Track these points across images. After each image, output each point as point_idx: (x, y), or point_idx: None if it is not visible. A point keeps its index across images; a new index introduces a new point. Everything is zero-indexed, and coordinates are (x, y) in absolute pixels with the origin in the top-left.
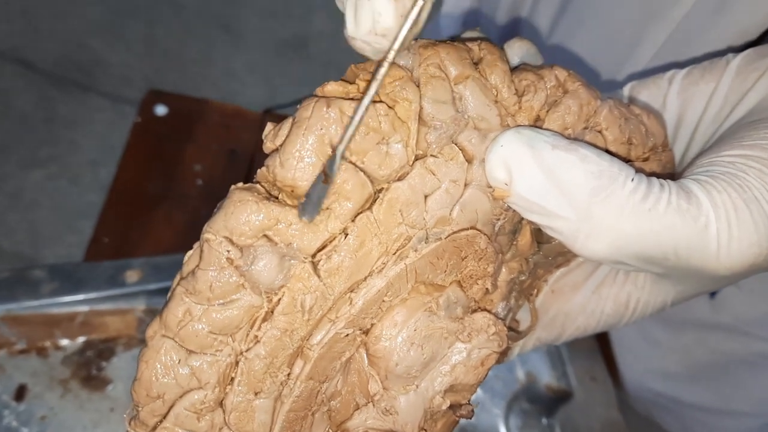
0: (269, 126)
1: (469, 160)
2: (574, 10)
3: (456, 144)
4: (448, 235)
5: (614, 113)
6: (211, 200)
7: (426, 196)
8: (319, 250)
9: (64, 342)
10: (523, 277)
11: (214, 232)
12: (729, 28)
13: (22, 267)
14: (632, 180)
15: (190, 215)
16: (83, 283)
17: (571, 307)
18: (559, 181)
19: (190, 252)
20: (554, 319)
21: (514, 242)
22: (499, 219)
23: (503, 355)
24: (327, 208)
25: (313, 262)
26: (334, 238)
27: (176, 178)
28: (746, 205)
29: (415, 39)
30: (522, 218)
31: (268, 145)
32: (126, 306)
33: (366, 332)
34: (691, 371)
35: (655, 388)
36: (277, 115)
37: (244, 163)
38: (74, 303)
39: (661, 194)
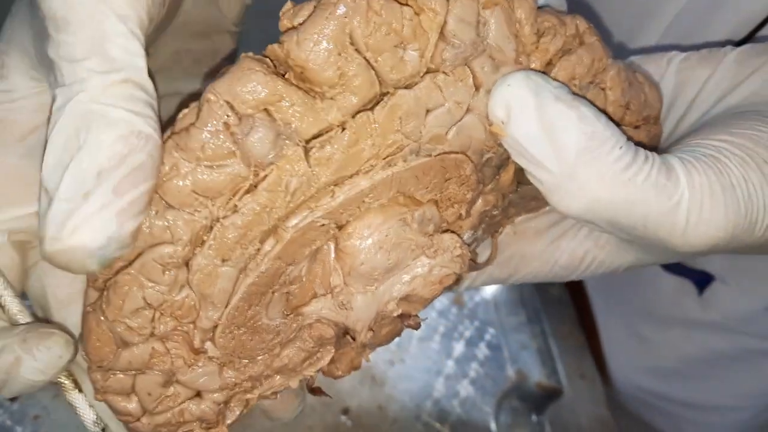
0: (289, 4)
1: (477, 87)
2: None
3: (469, 67)
4: (439, 154)
5: (621, 75)
6: None
7: (428, 111)
8: (315, 137)
9: None
10: (496, 212)
11: (217, 93)
12: (722, 25)
13: None
14: (620, 147)
15: None
16: None
17: (528, 251)
18: (552, 134)
19: (186, 110)
20: (510, 258)
21: (497, 176)
22: (489, 151)
23: (456, 282)
24: (332, 98)
25: (305, 147)
26: (332, 129)
27: None
28: (722, 191)
29: None
30: (510, 156)
31: (284, 23)
32: None
33: (340, 227)
34: (679, 367)
35: (644, 385)
36: None
37: None
38: None
39: (643, 166)
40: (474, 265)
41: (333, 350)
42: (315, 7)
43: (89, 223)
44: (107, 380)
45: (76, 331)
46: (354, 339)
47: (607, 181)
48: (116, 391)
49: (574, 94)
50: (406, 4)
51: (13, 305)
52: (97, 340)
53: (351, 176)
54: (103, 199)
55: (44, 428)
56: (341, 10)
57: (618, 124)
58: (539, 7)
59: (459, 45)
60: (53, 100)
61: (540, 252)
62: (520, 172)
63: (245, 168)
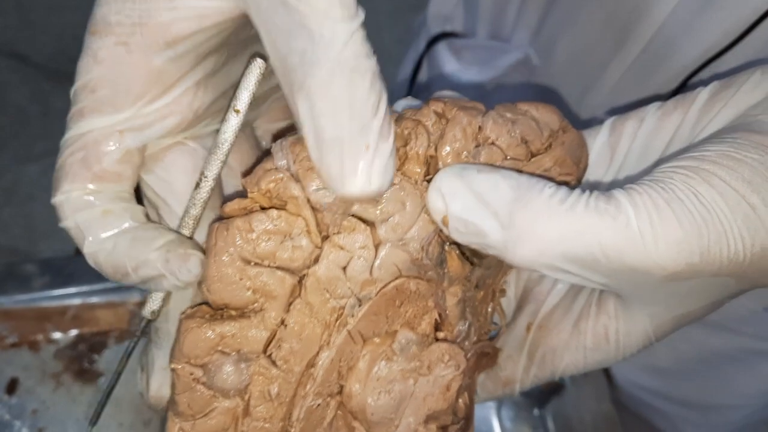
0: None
1: (370, 225)
2: (559, 10)
3: (352, 215)
4: (377, 293)
5: (499, 122)
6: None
7: (343, 268)
8: (267, 344)
9: (56, 335)
10: (470, 294)
11: (176, 362)
12: (712, 27)
13: (13, 261)
14: (550, 187)
15: None
16: (75, 277)
17: (556, 344)
18: (485, 198)
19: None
20: (544, 356)
21: (445, 271)
22: (422, 259)
23: (493, 360)
24: (261, 310)
25: (268, 356)
26: (276, 331)
27: None
28: (667, 204)
29: (287, 138)
30: (443, 248)
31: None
32: (117, 299)
33: (339, 393)
34: (677, 366)
35: (643, 382)
36: None
37: None
38: (66, 296)
39: (580, 197)
40: (493, 340)
41: None
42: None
43: (376, 169)
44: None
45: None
46: None
47: (546, 217)
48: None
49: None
50: (270, 207)
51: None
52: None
53: (317, 354)
54: (379, 146)
55: (43, 422)
56: (221, 247)
57: (532, 156)
58: (398, 115)
59: (330, 206)
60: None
61: (566, 342)
62: (465, 252)
63: (230, 400)
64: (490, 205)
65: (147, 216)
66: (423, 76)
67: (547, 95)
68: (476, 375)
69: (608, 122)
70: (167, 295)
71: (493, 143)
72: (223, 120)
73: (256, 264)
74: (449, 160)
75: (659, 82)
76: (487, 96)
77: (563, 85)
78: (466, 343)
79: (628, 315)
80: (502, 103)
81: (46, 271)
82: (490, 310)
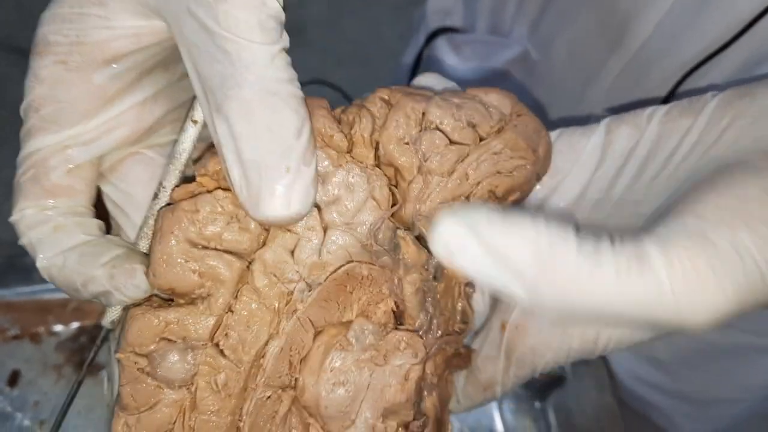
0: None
1: (318, 206)
2: (558, 6)
3: None
4: (327, 278)
5: (443, 106)
6: None
7: (291, 251)
8: (214, 332)
9: (58, 328)
10: (429, 283)
11: (122, 351)
12: (709, 26)
13: (14, 254)
14: (574, 240)
15: None
16: None
17: (535, 343)
18: (503, 259)
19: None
20: (523, 356)
21: (400, 257)
22: (371, 245)
23: (465, 360)
24: (208, 295)
25: (215, 345)
26: (222, 318)
27: None
28: (707, 263)
29: None
30: (395, 234)
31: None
32: None
33: (292, 387)
34: (677, 359)
35: (644, 375)
36: None
37: None
38: None
39: (608, 253)
40: (461, 334)
41: None
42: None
43: (296, 193)
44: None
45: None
46: None
47: (575, 280)
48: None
49: (498, 205)
50: (216, 188)
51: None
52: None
53: (266, 343)
54: (300, 170)
55: (44, 414)
56: (167, 228)
57: (480, 140)
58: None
59: None
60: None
61: (547, 342)
62: (420, 240)
63: (176, 391)
64: (510, 266)
65: (103, 228)
66: (423, 70)
67: (545, 93)
68: (448, 376)
69: (605, 122)
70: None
71: (437, 128)
72: (181, 130)
73: (203, 247)
74: (391, 146)
75: (657, 79)
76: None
77: (562, 80)
78: (429, 336)
79: (630, 330)
80: (448, 90)
81: None
82: (459, 306)
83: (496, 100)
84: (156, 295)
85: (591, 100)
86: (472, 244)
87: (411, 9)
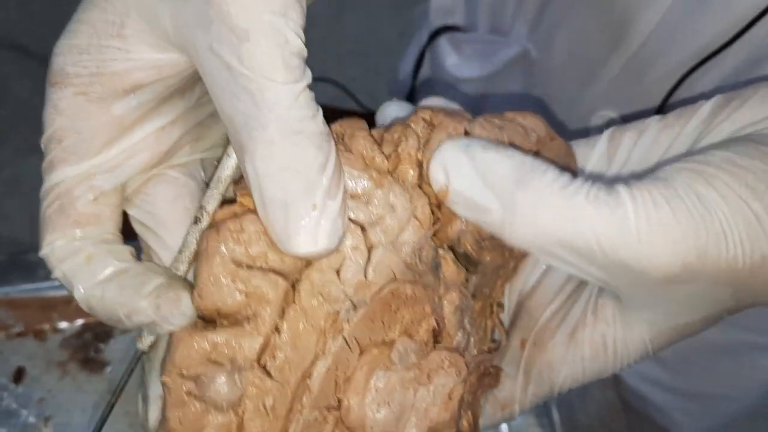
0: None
1: (361, 226)
2: (557, 5)
3: None
4: (372, 297)
5: (486, 127)
6: None
7: (337, 271)
8: (261, 353)
9: (62, 325)
10: (467, 302)
11: (167, 374)
12: (708, 26)
13: (17, 251)
14: (553, 171)
15: None
16: None
17: (552, 358)
18: (488, 176)
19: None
20: (540, 373)
21: (440, 276)
22: (417, 265)
23: (495, 380)
24: (254, 316)
25: (261, 366)
26: (270, 338)
27: None
28: (666, 201)
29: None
30: (437, 253)
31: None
32: None
33: (337, 408)
34: (678, 356)
35: (646, 372)
36: None
37: None
38: None
39: (582, 186)
40: (494, 351)
41: None
42: (196, 259)
43: (323, 228)
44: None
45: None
46: None
47: (547, 201)
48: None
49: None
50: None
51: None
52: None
53: (313, 363)
54: (326, 205)
55: (49, 411)
56: (213, 248)
57: None
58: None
59: None
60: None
61: (562, 355)
62: (463, 257)
63: (223, 414)
64: (493, 183)
65: (134, 254)
66: (425, 69)
67: (543, 91)
68: (480, 395)
69: (607, 132)
70: None
71: None
72: (223, 155)
73: (248, 267)
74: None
75: (657, 79)
76: (485, 91)
77: (562, 79)
78: (467, 355)
79: (626, 321)
80: (488, 114)
81: None
82: (489, 323)
83: (532, 123)
84: (200, 317)
85: (591, 99)
86: (466, 164)
87: (411, 6)
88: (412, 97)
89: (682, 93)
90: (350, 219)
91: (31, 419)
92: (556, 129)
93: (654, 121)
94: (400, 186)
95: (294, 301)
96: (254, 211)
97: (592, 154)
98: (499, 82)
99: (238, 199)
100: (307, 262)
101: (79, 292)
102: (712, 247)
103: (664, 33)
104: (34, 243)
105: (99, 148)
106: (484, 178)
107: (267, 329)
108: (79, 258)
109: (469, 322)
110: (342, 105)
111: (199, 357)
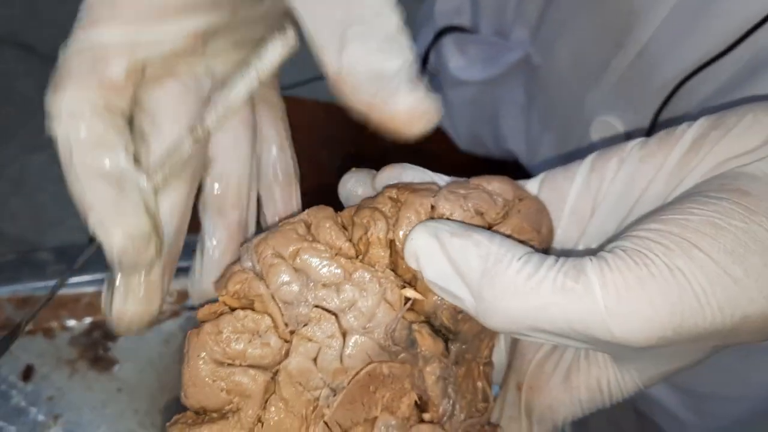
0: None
1: (335, 314)
2: (557, 10)
3: (317, 306)
4: (350, 381)
5: (450, 198)
6: None
7: (314, 360)
8: None
9: (71, 323)
10: (449, 371)
11: None
12: (708, 32)
13: (27, 249)
14: (519, 259)
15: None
16: (89, 264)
17: (551, 402)
18: (458, 267)
19: None
20: (542, 415)
21: (418, 351)
22: (390, 347)
23: None
24: (238, 410)
25: None
26: (253, 430)
27: None
28: (639, 283)
29: (251, 239)
30: (410, 330)
31: None
32: None
33: None
34: None
35: None
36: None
37: None
38: (80, 284)
39: (547, 273)
40: (485, 408)
41: None
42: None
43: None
44: None
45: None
46: None
47: (511, 294)
48: None
49: (469, 224)
50: (236, 307)
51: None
52: None
53: None
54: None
55: (59, 409)
56: (194, 352)
57: (490, 226)
58: (358, 207)
59: (295, 300)
60: None
61: (560, 399)
62: (437, 330)
63: None
64: (463, 274)
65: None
66: (428, 70)
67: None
68: None
69: (588, 160)
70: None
71: (448, 218)
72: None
73: (228, 365)
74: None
75: (659, 83)
76: (489, 94)
77: (564, 83)
78: (453, 421)
79: (618, 366)
80: (454, 180)
81: (60, 259)
82: (480, 386)
83: (499, 188)
84: (191, 411)
85: (592, 103)
86: (437, 251)
87: (411, 3)
88: None
89: (682, 97)
90: (323, 308)
91: (41, 417)
92: (558, 136)
93: (636, 148)
94: (370, 271)
95: (275, 392)
96: (233, 310)
97: (572, 187)
98: (501, 85)
99: (220, 299)
100: (284, 354)
101: (72, 166)
102: (688, 319)
103: (666, 38)
104: (37, 242)
105: (152, 19)
106: (455, 266)
107: (250, 422)
108: (95, 126)
109: (453, 390)
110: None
111: None
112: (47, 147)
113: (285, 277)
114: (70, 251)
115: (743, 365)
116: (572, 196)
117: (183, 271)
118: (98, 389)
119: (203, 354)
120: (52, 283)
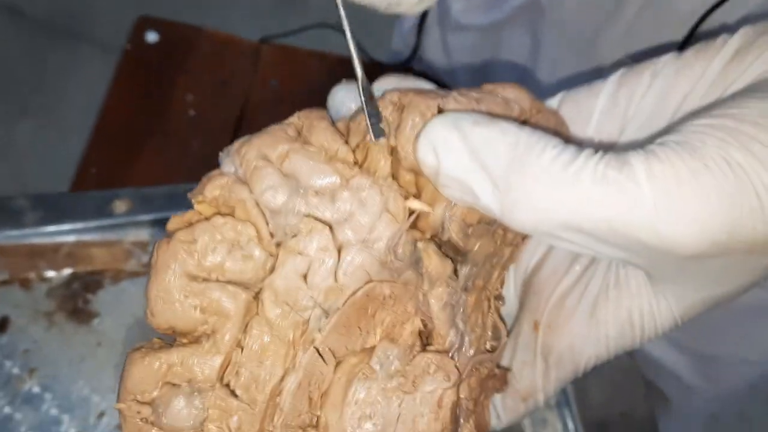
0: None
1: (329, 225)
2: None
3: (309, 215)
4: (345, 302)
5: (461, 100)
6: (203, 131)
7: (304, 276)
8: (223, 372)
9: (50, 273)
10: (458, 297)
11: (122, 400)
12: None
13: (4, 196)
14: (554, 147)
15: (181, 146)
16: (69, 213)
17: (572, 340)
18: (480, 157)
19: None
20: (561, 357)
21: (423, 271)
22: (391, 261)
23: (501, 382)
24: (213, 332)
25: (225, 386)
26: (230, 355)
27: (167, 107)
28: (693, 176)
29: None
30: (415, 246)
31: None
32: (114, 237)
33: (316, 425)
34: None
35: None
36: (273, 45)
37: (238, 93)
38: (59, 233)
39: (586, 162)
40: (496, 347)
41: None
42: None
43: None
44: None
45: None
46: None
47: (546, 184)
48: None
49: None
50: (215, 214)
51: None
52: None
53: (282, 378)
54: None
55: (34, 362)
56: (164, 263)
57: None
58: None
59: (282, 208)
60: None
61: (584, 336)
62: (444, 249)
63: None
64: (486, 164)
65: None
66: (431, 15)
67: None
68: (484, 400)
69: (615, 75)
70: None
71: None
72: None
73: (203, 279)
74: (409, 148)
75: (676, 21)
76: (492, 40)
77: (573, 28)
78: (461, 356)
79: (652, 292)
80: (463, 88)
81: (39, 207)
82: (490, 321)
83: (514, 94)
84: (158, 338)
85: (605, 47)
86: (457, 142)
87: None
88: (416, 46)
89: (702, 35)
90: (315, 217)
91: (15, 371)
92: (567, 85)
93: (671, 60)
94: (369, 178)
95: (257, 313)
96: (209, 218)
97: (597, 104)
98: (505, 31)
99: (195, 206)
100: (269, 269)
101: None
102: (746, 221)
103: (644, 24)
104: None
105: None
106: (477, 158)
107: (228, 345)
108: None
109: (462, 320)
110: (345, 53)
111: (154, 380)
112: (34, 112)
113: (271, 182)
114: (49, 198)
115: (752, 326)
116: (597, 114)
117: None
118: (77, 343)
119: (174, 266)
120: (29, 231)
